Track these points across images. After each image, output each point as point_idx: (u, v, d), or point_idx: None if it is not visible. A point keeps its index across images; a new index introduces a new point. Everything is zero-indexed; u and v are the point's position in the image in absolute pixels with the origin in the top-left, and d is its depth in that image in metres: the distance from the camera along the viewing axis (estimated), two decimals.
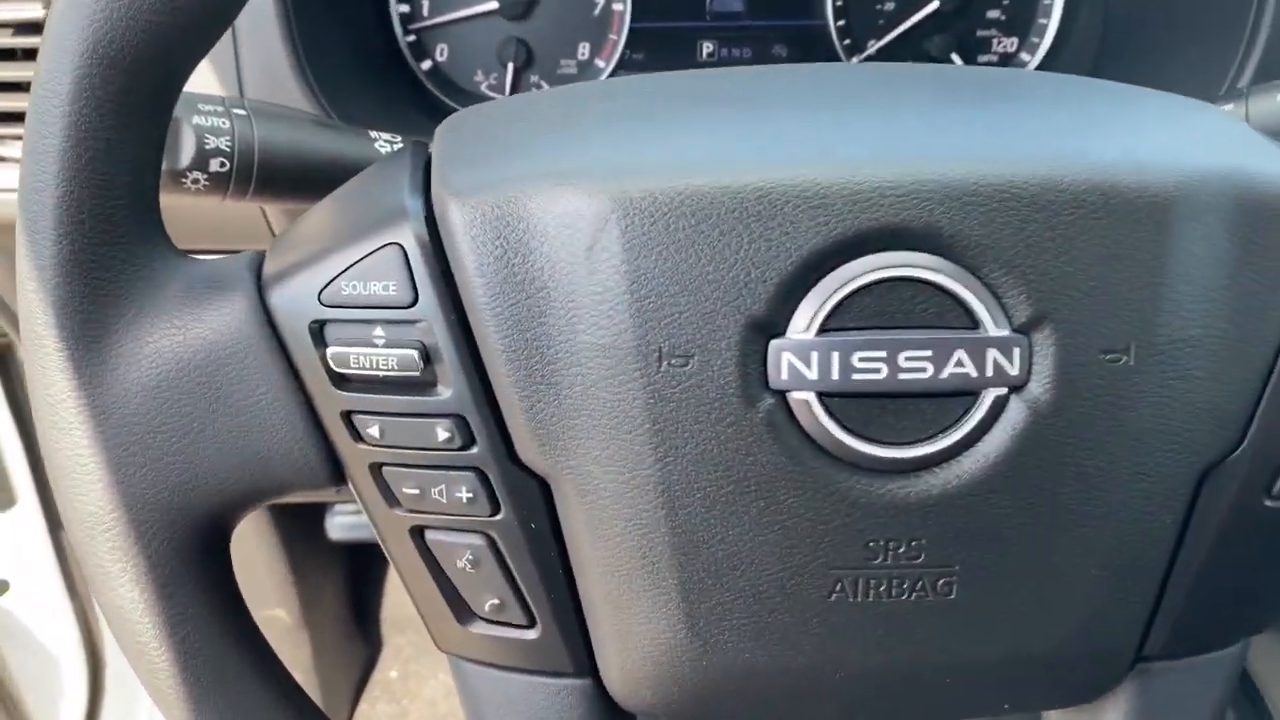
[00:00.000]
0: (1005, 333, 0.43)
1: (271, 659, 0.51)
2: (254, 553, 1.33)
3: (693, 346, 0.43)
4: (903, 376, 0.43)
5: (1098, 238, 0.43)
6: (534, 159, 0.45)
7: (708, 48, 0.96)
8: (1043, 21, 0.95)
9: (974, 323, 0.43)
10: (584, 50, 0.94)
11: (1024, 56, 0.96)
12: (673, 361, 0.43)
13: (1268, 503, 0.48)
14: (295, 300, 0.46)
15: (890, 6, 0.95)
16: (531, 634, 0.48)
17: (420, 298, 0.45)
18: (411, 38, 0.94)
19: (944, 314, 0.43)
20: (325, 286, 0.45)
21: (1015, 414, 0.44)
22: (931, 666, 0.47)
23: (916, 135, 0.44)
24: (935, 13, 0.94)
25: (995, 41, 0.96)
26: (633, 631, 0.47)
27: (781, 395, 0.43)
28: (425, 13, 0.93)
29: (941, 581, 0.45)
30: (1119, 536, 0.46)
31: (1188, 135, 0.46)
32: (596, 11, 0.94)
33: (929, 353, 0.43)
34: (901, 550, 0.45)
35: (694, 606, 0.46)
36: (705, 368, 0.43)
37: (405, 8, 0.93)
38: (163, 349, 0.46)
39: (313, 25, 0.77)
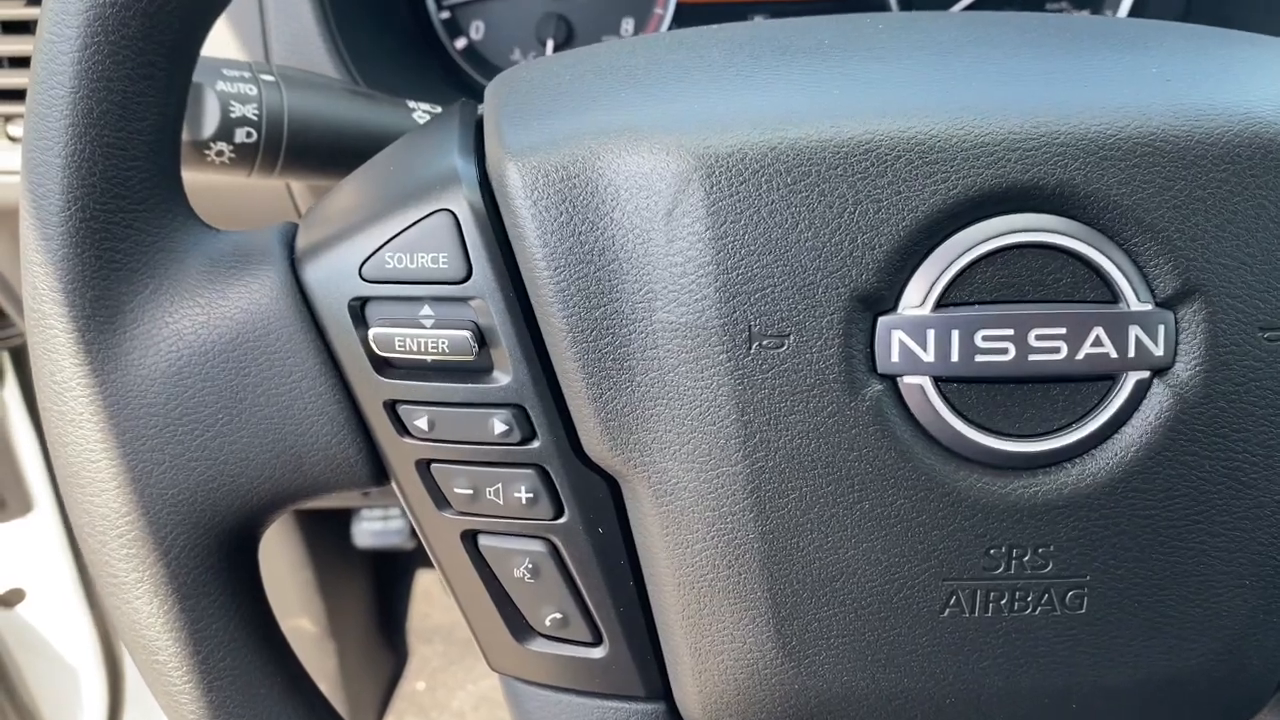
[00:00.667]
0: (1149, 307, 0.37)
1: (302, 678, 0.46)
2: (277, 560, 1.28)
3: (788, 325, 0.37)
4: (1033, 358, 0.37)
5: (1255, 198, 0.37)
6: (603, 112, 0.40)
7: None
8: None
9: (1113, 296, 0.37)
10: (628, 26, 0.89)
11: None
12: (765, 342, 0.38)
13: None
14: (333, 275, 0.41)
15: None
16: (597, 652, 0.43)
17: (474, 272, 0.39)
18: (445, 14, 0.89)
19: (1079, 286, 0.37)
20: (367, 260, 0.40)
21: (1159, 401, 0.38)
22: (1056, 690, 0.41)
23: (1043, 83, 0.39)
24: None
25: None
26: (713, 650, 0.41)
27: (892, 380, 0.38)
28: None
29: (1071, 594, 0.40)
30: (1275, 542, 0.40)
31: (1247, 74, 0.40)
32: None
33: (1063, 330, 0.37)
34: (1026, 558, 0.39)
35: (786, 622, 0.40)
36: (803, 349, 0.37)
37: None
38: (184, 330, 0.41)
39: None
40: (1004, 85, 0.39)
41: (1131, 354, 0.37)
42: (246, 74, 0.54)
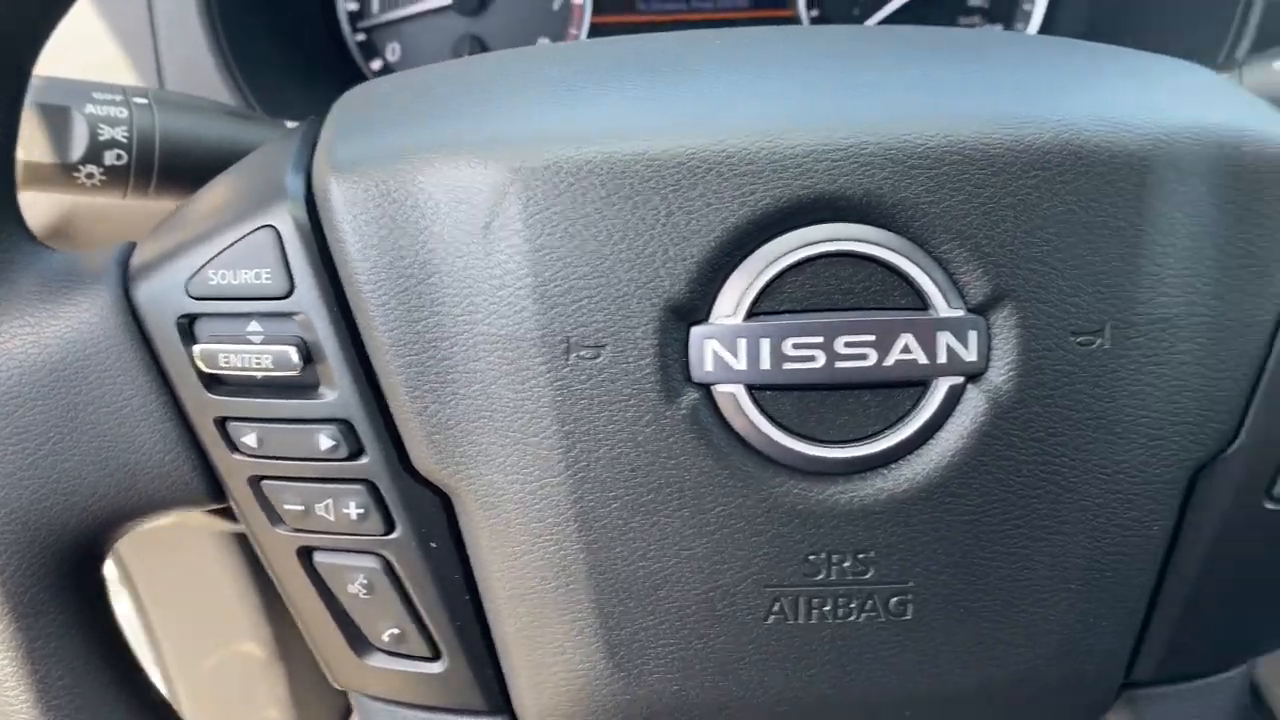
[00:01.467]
0: (959, 313, 0.38)
1: (149, 697, 0.46)
2: (220, 581, 1.27)
3: (604, 336, 0.38)
4: (842, 365, 0.37)
5: (1065, 204, 0.37)
6: (426, 128, 0.40)
7: None
8: (1027, 7, 0.90)
9: (923, 303, 0.38)
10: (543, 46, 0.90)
11: None
12: (582, 353, 0.38)
13: (1269, 505, 0.42)
14: (161, 293, 0.41)
15: None
16: (436, 667, 0.43)
17: (297, 287, 0.39)
18: (361, 36, 0.89)
19: (889, 294, 0.38)
20: (193, 276, 0.40)
21: (973, 406, 0.38)
22: (886, 697, 0.41)
23: (854, 94, 0.39)
24: (909, 3, 0.89)
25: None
26: (547, 662, 0.41)
27: (706, 389, 0.38)
28: (375, 9, 0.89)
29: (895, 600, 0.40)
30: (1098, 545, 0.40)
31: (1168, 92, 0.41)
32: (556, 5, 0.89)
33: (871, 337, 0.37)
34: (847, 564, 0.39)
35: (614, 632, 0.40)
36: (619, 359, 0.38)
37: (354, 5, 0.89)
38: (13, 350, 0.41)
39: (240, 19, 0.72)
40: (816, 97, 0.39)
41: (942, 360, 0.38)
42: (118, 97, 0.54)
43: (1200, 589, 0.42)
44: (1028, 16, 0.90)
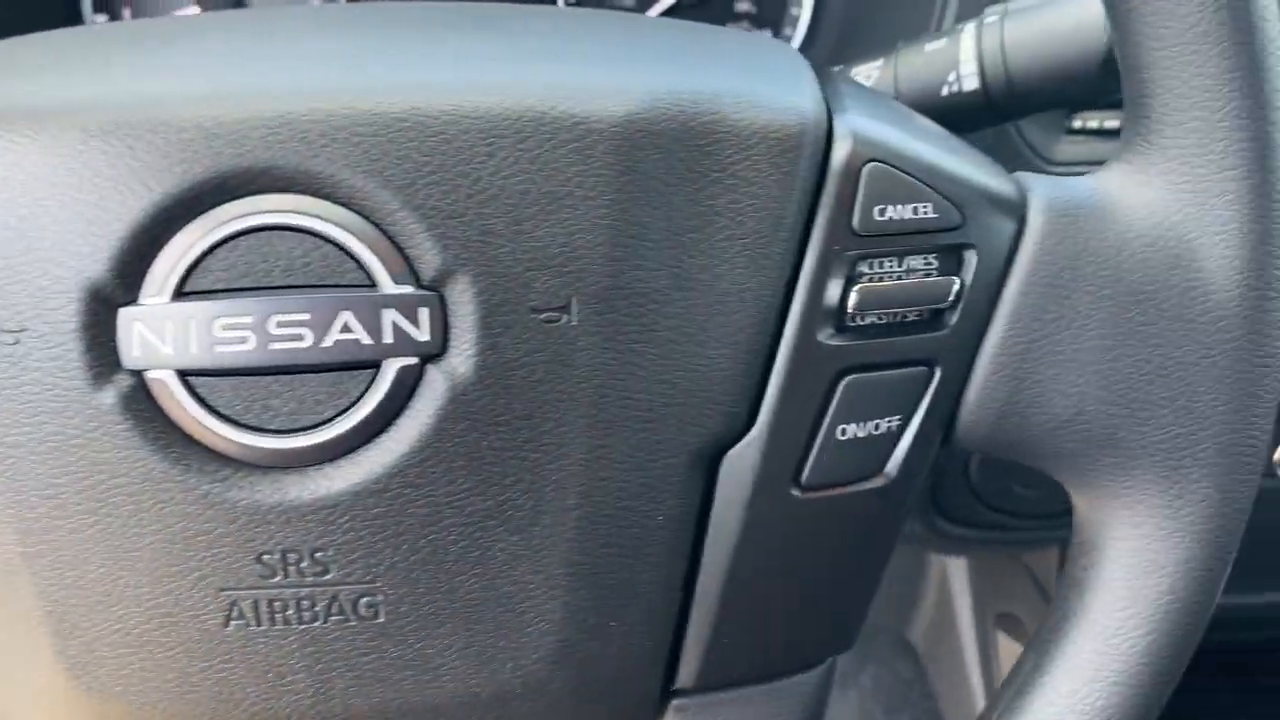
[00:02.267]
0: (408, 290, 0.35)
1: None
2: None
3: (25, 319, 0.35)
4: (275, 347, 0.35)
5: (521, 177, 0.35)
6: None
7: None
8: (795, 12, 0.89)
9: (370, 280, 0.35)
10: None
11: None
12: (4, 338, 0.35)
13: (796, 493, 0.39)
14: None
15: (630, 1, 0.88)
16: None
17: None
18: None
19: (333, 271, 0.35)
20: None
21: (433, 390, 0.36)
22: (371, 708, 0.38)
23: (303, 65, 0.37)
24: (676, 6, 0.87)
25: None
26: (9, 675, 0.38)
27: (139, 375, 0.35)
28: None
29: (363, 601, 0.37)
30: (589, 538, 0.37)
31: (658, 60, 0.38)
32: None
33: (305, 316, 0.35)
34: (304, 564, 0.36)
35: (66, 641, 0.37)
36: (42, 345, 0.35)
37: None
38: None
39: None
40: (266, 68, 0.37)
41: (389, 340, 0.35)
42: None
43: (734, 586, 0.40)
44: (795, 22, 0.89)
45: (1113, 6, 0.40)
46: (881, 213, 0.38)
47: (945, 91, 0.55)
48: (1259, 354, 0.40)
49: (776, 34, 0.89)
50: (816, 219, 0.38)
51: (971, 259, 0.40)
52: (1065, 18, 0.52)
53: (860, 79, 0.58)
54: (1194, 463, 0.40)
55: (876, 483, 0.41)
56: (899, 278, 0.39)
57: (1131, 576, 0.42)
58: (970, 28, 0.55)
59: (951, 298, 0.39)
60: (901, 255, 0.39)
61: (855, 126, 0.38)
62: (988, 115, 0.55)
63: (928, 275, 0.39)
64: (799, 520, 0.40)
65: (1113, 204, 0.40)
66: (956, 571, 1.29)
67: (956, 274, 0.40)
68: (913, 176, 0.38)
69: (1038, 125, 0.68)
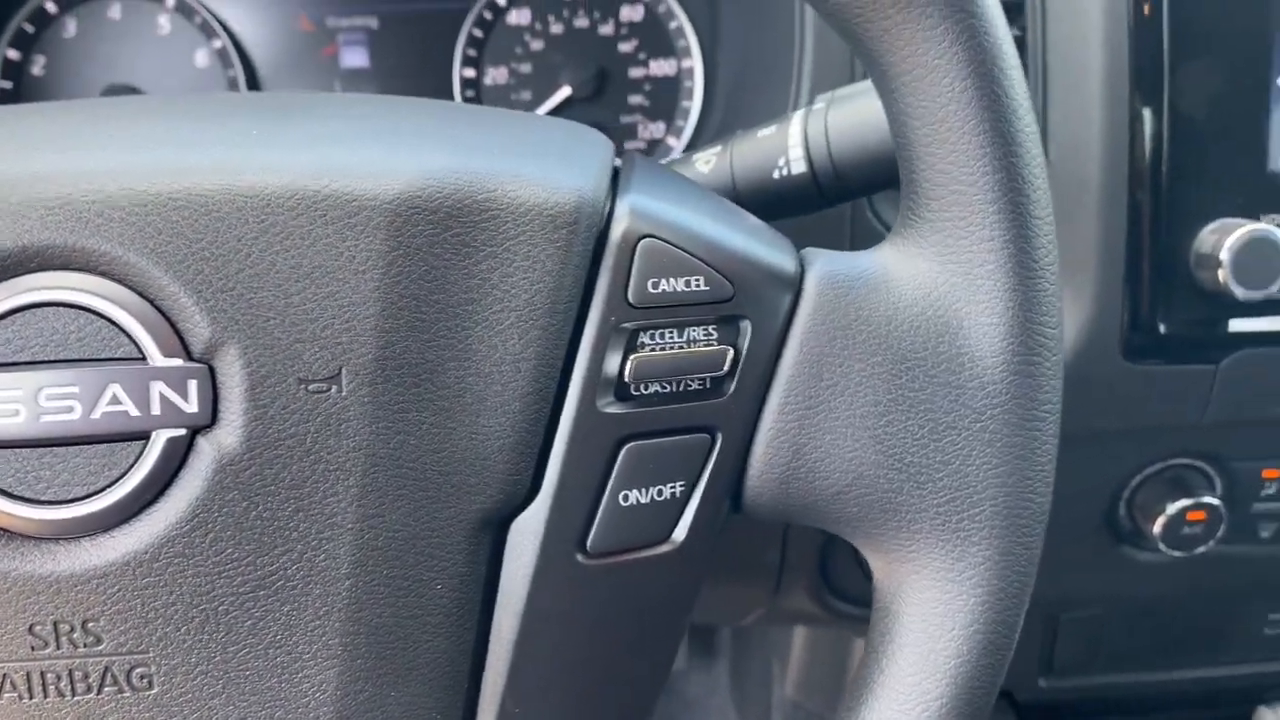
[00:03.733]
0: (177, 363, 0.36)
1: None
2: None
3: None
4: (46, 419, 0.36)
5: (291, 252, 0.37)
6: None
7: None
8: (686, 104, 0.92)
9: (141, 353, 0.36)
10: None
11: (670, 141, 0.92)
12: None
13: (582, 559, 0.40)
14: None
15: (526, 95, 0.91)
16: None
17: None
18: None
19: (105, 344, 0.36)
20: None
21: (201, 461, 0.37)
22: None
23: (93, 148, 0.38)
24: (569, 99, 0.90)
25: (641, 127, 0.92)
26: None
27: None
28: None
29: (136, 672, 0.37)
30: (369, 608, 0.38)
31: (441, 139, 0.40)
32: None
33: (74, 389, 0.36)
34: (76, 635, 0.37)
35: None
36: None
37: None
38: None
39: None
40: (50, 153, 0.38)
41: (158, 411, 0.36)
42: None
43: (523, 655, 0.40)
44: (687, 114, 0.92)
45: (880, 91, 0.42)
46: (655, 285, 0.40)
47: (776, 175, 0.57)
48: (1028, 417, 0.41)
49: (670, 125, 0.92)
50: (595, 292, 0.39)
51: (747, 329, 0.41)
52: (880, 105, 0.54)
53: (700, 164, 0.60)
54: (973, 524, 0.41)
55: (663, 549, 0.41)
56: (680, 347, 0.40)
57: (921, 641, 0.42)
58: (799, 115, 0.57)
59: (726, 367, 0.41)
60: (682, 326, 0.41)
61: (636, 205, 0.40)
62: (817, 198, 0.57)
63: (708, 345, 0.41)
64: (586, 586, 0.40)
65: (886, 276, 0.42)
66: None
67: (734, 344, 0.41)
68: (686, 251, 0.40)
69: (888, 201, 0.71)
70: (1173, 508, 0.78)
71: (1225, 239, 0.66)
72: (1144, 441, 0.78)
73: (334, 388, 0.37)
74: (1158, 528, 0.78)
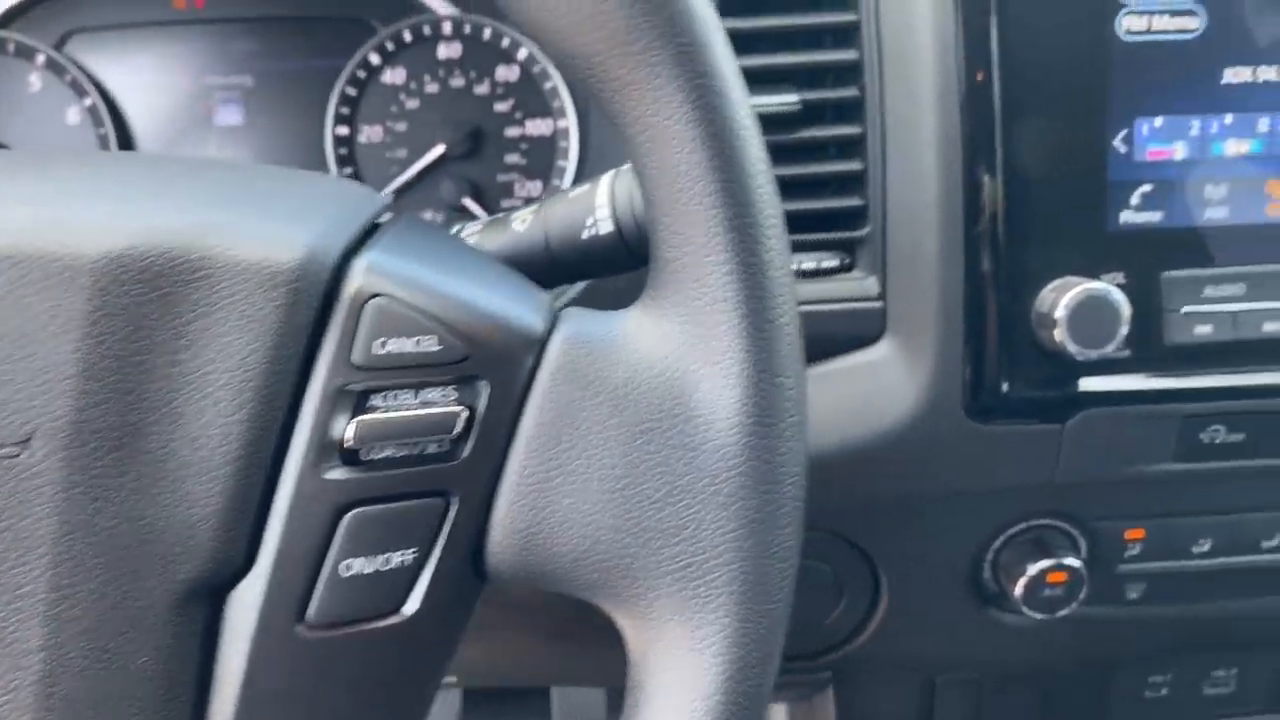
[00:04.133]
0: None
1: None
2: None
3: None
4: None
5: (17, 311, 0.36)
6: None
7: None
8: (561, 164, 0.92)
9: None
10: None
11: None
12: None
13: (302, 631, 0.39)
14: None
15: (402, 154, 0.91)
16: None
17: None
18: None
19: None
20: None
21: None
22: None
23: None
24: (443, 157, 0.90)
25: (518, 185, 0.92)
26: None
27: None
28: None
29: None
30: (64, 682, 0.37)
31: (159, 195, 0.40)
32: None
33: None
34: None
35: None
36: None
37: None
38: None
39: None
40: None
41: None
42: None
43: None
44: (563, 174, 0.92)
45: (625, 150, 0.42)
46: (383, 345, 0.39)
47: (585, 235, 0.57)
48: (765, 479, 0.40)
49: (546, 183, 0.92)
50: (321, 352, 0.39)
51: (484, 389, 0.40)
52: None
53: (516, 224, 0.60)
54: (710, 590, 0.41)
55: (392, 620, 0.40)
56: (413, 409, 0.40)
57: (664, 711, 0.41)
58: (609, 175, 0.57)
59: (459, 428, 0.40)
60: (419, 388, 0.40)
61: (373, 262, 0.40)
62: (627, 257, 0.57)
63: (445, 406, 0.40)
64: (308, 661, 0.39)
65: (627, 338, 0.41)
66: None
67: (471, 405, 0.40)
68: (418, 310, 0.40)
69: None
70: (1033, 569, 0.77)
71: (1062, 298, 0.66)
72: (1002, 502, 0.77)
73: (24, 453, 0.36)
74: (1019, 589, 0.77)
